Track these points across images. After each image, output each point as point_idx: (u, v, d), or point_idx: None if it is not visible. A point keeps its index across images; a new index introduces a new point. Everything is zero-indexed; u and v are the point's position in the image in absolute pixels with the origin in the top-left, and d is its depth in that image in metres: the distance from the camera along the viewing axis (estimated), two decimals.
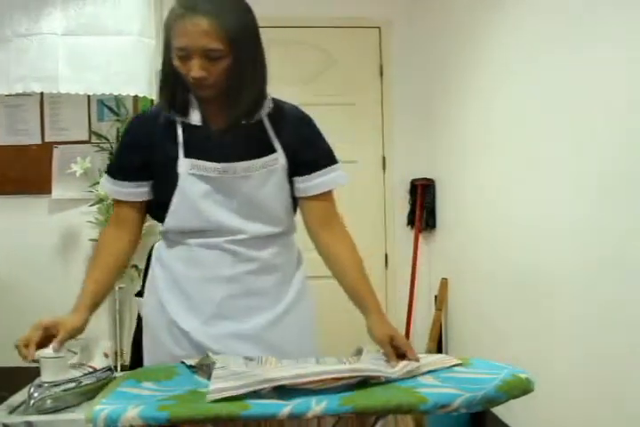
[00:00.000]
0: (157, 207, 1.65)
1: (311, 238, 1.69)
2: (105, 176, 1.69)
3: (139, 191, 1.64)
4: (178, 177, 1.57)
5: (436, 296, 3.72)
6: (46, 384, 1.29)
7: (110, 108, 3.76)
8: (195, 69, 1.46)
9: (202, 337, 1.58)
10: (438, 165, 3.82)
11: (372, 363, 1.37)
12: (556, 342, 2.39)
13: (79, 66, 3.53)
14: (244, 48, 1.48)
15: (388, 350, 1.44)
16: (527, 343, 2.62)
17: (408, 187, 4.02)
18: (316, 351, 1.66)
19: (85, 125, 3.89)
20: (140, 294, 1.77)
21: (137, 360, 1.68)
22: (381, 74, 4.08)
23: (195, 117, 1.60)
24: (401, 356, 1.42)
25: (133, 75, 3.59)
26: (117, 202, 1.68)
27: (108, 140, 3.72)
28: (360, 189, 3.94)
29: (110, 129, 3.76)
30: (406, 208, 4.03)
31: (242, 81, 1.52)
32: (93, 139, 3.82)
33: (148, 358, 1.65)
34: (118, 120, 3.73)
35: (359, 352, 1.49)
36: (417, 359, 1.40)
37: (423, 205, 3.91)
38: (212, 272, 1.61)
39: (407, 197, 4.03)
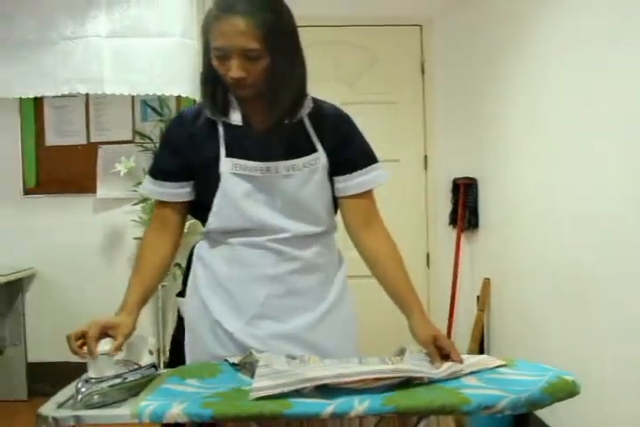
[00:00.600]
0: (199, 208, 1.66)
1: (351, 238, 1.69)
2: (147, 177, 1.70)
3: (180, 192, 1.65)
4: (219, 177, 1.57)
5: (478, 296, 3.68)
6: (93, 380, 1.31)
7: (154, 109, 3.80)
8: (233, 70, 1.47)
9: (245, 338, 1.58)
10: (481, 163, 3.78)
11: (415, 364, 1.36)
12: (602, 343, 2.35)
13: (123, 67, 3.59)
14: (281, 47, 1.48)
15: (432, 350, 1.43)
16: (571, 344, 2.58)
17: (450, 186, 3.99)
18: (357, 351, 1.66)
19: (129, 126, 3.95)
20: (180, 294, 1.77)
21: (176, 360, 1.68)
22: (423, 72, 4.06)
23: (235, 117, 1.61)
24: (445, 356, 1.41)
25: (176, 75, 3.63)
26: (159, 203, 1.69)
27: (151, 139, 3.76)
28: (402, 188, 3.93)
29: (154, 129, 3.80)
30: (448, 207, 4.00)
31: (281, 80, 1.52)
32: (137, 139, 3.87)
33: (190, 359, 1.64)
34: (161, 120, 3.77)
35: (402, 352, 1.48)
36: (461, 360, 1.39)
37: (465, 204, 3.87)
38: (255, 271, 1.61)
39: (449, 196, 4.00)
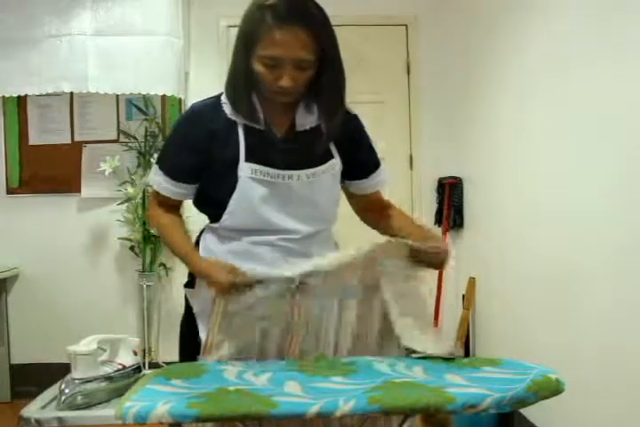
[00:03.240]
0: (210, 204, 1.67)
1: (370, 225, 1.82)
2: (156, 169, 1.69)
3: (186, 193, 1.69)
4: (237, 179, 1.58)
5: (463, 295, 3.69)
6: (77, 381, 1.31)
7: (139, 108, 3.79)
8: (286, 79, 1.49)
9: None
10: (466, 163, 3.79)
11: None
12: (587, 341, 2.36)
13: (108, 66, 3.58)
14: (332, 59, 1.55)
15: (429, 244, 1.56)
16: (556, 342, 2.59)
17: (435, 185, 4.00)
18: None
19: (114, 125, 3.93)
20: (188, 284, 1.75)
21: (185, 350, 1.67)
22: (408, 72, 4.06)
23: (256, 121, 1.61)
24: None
25: (162, 74, 3.62)
26: (166, 197, 1.70)
27: (136, 139, 3.75)
28: (387, 187, 3.92)
29: (139, 128, 3.79)
30: (434, 207, 4.01)
31: (331, 91, 1.58)
32: (122, 138, 3.85)
33: None
34: (146, 119, 3.76)
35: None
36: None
37: (451, 203, 3.88)
38: (265, 265, 1.62)
39: (435, 195, 4.01)
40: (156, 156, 3.63)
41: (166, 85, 3.63)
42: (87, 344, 1.39)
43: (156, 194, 1.72)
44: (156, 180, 1.70)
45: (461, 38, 3.79)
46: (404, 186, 4.07)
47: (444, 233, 3.92)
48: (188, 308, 1.74)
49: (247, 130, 1.60)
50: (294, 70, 1.49)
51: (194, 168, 1.64)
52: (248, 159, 1.58)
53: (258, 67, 1.50)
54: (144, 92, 3.64)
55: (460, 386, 1.26)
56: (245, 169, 1.58)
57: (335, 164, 1.67)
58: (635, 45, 2.02)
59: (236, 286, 1.46)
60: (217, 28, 3.94)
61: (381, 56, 4.06)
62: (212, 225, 1.70)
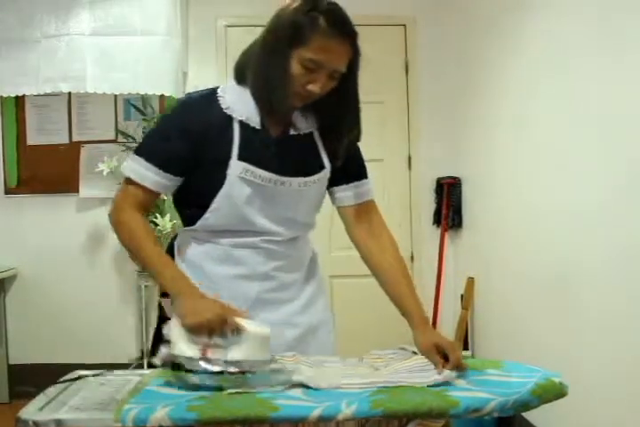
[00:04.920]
0: (192, 202, 1.60)
1: (357, 246, 1.71)
2: (135, 157, 1.56)
3: (169, 185, 1.57)
4: (225, 178, 1.53)
5: (462, 295, 3.69)
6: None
7: (137, 108, 3.77)
8: (318, 85, 1.48)
9: None
10: (464, 163, 3.79)
11: (412, 370, 1.37)
12: (586, 342, 2.36)
13: (106, 66, 3.56)
14: (356, 75, 1.55)
15: (435, 358, 1.41)
16: (555, 342, 2.59)
17: (434, 185, 3.99)
18: (334, 345, 1.73)
19: (112, 125, 3.92)
20: (165, 294, 1.73)
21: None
22: (407, 72, 4.06)
23: (254, 119, 1.56)
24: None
25: (160, 74, 3.61)
26: (141, 187, 1.55)
27: (134, 139, 3.73)
28: (386, 187, 3.92)
29: (137, 128, 3.77)
30: (432, 207, 4.01)
31: (354, 103, 1.57)
32: (120, 138, 3.84)
33: None
34: (145, 119, 3.75)
35: (404, 352, 1.49)
36: (456, 367, 1.36)
37: (449, 203, 3.88)
38: (246, 269, 1.61)
39: (433, 195, 4.01)
40: None
41: (164, 85, 3.62)
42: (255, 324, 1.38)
43: (127, 190, 1.58)
44: (134, 167, 1.55)
45: (460, 38, 3.79)
46: (403, 186, 4.06)
47: (443, 233, 3.92)
48: (163, 317, 1.71)
49: (243, 127, 1.55)
50: (326, 78, 1.48)
51: (184, 158, 1.54)
52: (240, 158, 1.53)
53: (295, 66, 1.47)
54: (142, 92, 3.62)
55: (463, 390, 1.25)
56: (236, 168, 1.53)
57: (326, 173, 1.64)
58: (635, 45, 2.01)
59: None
60: (215, 27, 3.93)
61: (380, 56, 4.03)
62: (188, 228, 1.64)
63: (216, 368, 1.27)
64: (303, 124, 1.62)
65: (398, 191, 4.06)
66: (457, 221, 3.86)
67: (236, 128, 1.55)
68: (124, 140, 3.78)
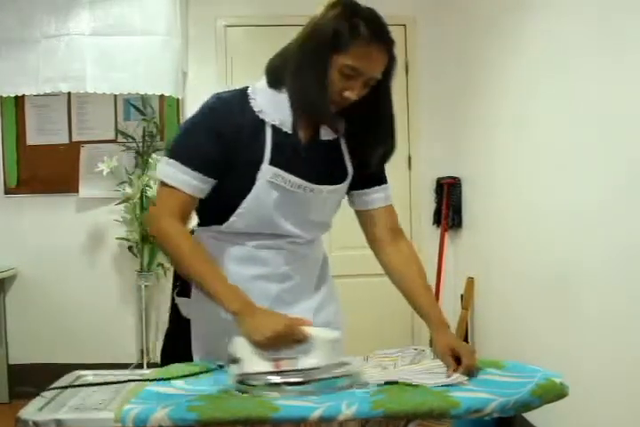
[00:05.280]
0: (218, 205, 1.57)
1: (375, 251, 1.72)
2: (170, 161, 1.51)
3: (205, 188, 1.53)
4: (254, 182, 1.52)
5: (462, 295, 3.69)
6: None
7: (137, 108, 3.77)
8: (354, 92, 1.48)
9: None
10: (464, 163, 3.78)
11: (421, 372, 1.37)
12: (586, 343, 2.36)
13: (106, 66, 3.56)
14: (390, 83, 1.56)
15: (448, 361, 1.41)
16: (555, 343, 2.59)
17: (434, 185, 3.99)
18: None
19: (112, 125, 3.92)
20: (183, 293, 1.67)
21: (170, 362, 1.63)
22: (407, 72, 4.05)
23: (287, 124, 1.55)
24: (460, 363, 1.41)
25: (160, 74, 3.61)
26: (177, 191, 1.51)
27: (134, 139, 3.74)
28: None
29: (137, 128, 3.78)
30: (432, 207, 4.01)
31: (388, 111, 1.58)
32: (120, 138, 3.84)
33: (198, 358, 1.60)
34: (144, 119, 3.75)
35: (410, 351, 1.50)
36: (469, 371, 1.36)
37: (449, 203, 3.88)
38: (268, 269, 1.61)
39: (433, 195, 4.01)
40: (154, 156, 3.63)
41: (164, 85, 3.62)
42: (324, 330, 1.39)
43: (163, 196, 1.54)
44: (169, 172, 1.51)
45: (460, 38, 3.79)
46: (403, 186, 4.06)
47: (443, 233, 3.92)
48: (177, 318, 1.68)
49: (275, 131, 1.54)
50: (362, 85, 1.49)
51: (218, 161, 1.50)
52: (272, 162, 1.52)
53: (333, 73, 1.46)
54: (142, 93, 3.62)
55: (464, 390, 1.25)
56: (267, 172, 1.52)
57: (349, 180, 1.66)
58: (635, 45, 2.01)
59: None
60: (215, 27, 3.92)
61: None
62: (208, 228, 1.62)
63: (293, 379, 1.27)
64: (329, 131, 1.61)
65: (398, 191, 3.97)
66: (457, 221, 3.86)
67: (269, 132, 1.53)
68: (124, 140, 3.78)
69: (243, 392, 1.26)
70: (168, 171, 1.51)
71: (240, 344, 1.33)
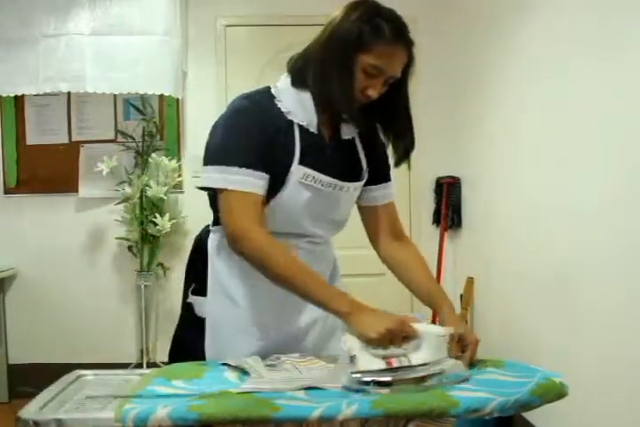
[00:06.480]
0: None
1: (377, 246, 1.76)
2: (222, 168, 1.49)
3: (266, 184, 1.52)
4: (283, 182, 1.53)
5: (461, 295, 3.69)
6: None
7: (136, 108, 3.77)
8: (376, 90, 1.51)
9: (281, 333, 1.62)
10: (464, 163, 3.78)
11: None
12: (586, 343, 2.36)
13: (106, 65, 3.57)
14: (409, 80, 1.58)
15: (453, 345, 1.46)
16: (555, 343, 2.59)
17: (433, 185, 3.99)
18: None
19: (112, 125, 3.92)
20: (198, 292, 1.67)
21: (177, 361, 1.63)
22: None
23: (313, 124, 1.58)
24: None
25: (159, 74, 3.61)
26: (250, 196, 1.49)
27: (134, 139, 3.74)
28: None
29: (136, 128, 3.78)
30: (432, 206, 4.01)
31: (406, 110, 1.60)
32: (119, 138, 3.85)
33: (212, 358, 1.60)
34: (144, 119, 3.75)
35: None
36: (469, 356, 1.46)
37: (449, 203, 3.88)
38: None
39: (433, 195, 4.01)
40: (153, 155, 3.64)
41: (164, 85, 3.62)
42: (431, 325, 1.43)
43: (234, 206, 1.50)
44: (232, 178, 1.48)
45: (460, 39, 3.79)
46: (402, 186, 4.05)
47: (443, 233, 3.92)
48: (190, 316, 1.68)
49: (302, 131, 1.56)
50: (382, 84, 1.52)
51: (262, 154, 1.50)
52: (302, 163, 1.54)
53: (359, 71, 1.49)
54: (142, 92, 3.63)
55: (463, 389, 1.25)
56: (298, 173, 1.53)
57: (366, 177, 1.70)
58: (635, 45, 2.01)
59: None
60: (215, 27, 3.92)
61: None
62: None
63: (410, 375, 1.29)
64: (350, 129, 1.65)
65: (398, 191, 3.95)
66: (456, 221, 3.86)
67: (297, 132, 1.56)
68: (124, 140, 3.78)
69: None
70: (229, 178, 1.48)
71: (351, 343, 1.37)
